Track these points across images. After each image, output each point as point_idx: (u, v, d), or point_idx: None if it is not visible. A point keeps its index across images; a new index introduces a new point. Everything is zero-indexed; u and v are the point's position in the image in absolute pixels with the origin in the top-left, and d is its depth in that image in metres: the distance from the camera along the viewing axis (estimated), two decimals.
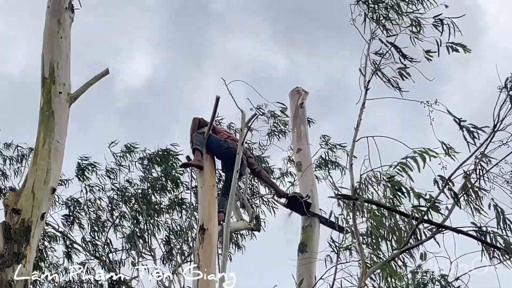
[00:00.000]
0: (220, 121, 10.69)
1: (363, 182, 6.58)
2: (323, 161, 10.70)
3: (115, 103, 19.93)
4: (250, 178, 9.36)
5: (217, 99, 7.56)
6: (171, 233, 13.07)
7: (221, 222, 7.31)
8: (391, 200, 6.56)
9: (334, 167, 10.79)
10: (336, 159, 10.76)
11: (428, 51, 7.14)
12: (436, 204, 6.36)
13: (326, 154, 10.78)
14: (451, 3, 7.14)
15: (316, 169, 9.99)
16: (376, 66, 7.17)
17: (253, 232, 8.54)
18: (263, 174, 8.73)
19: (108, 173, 13.04)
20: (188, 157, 8.04)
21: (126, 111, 19.31)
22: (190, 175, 12.69)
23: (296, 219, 8.37)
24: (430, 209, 6.31)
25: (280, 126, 10.74)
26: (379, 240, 6.42)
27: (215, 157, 7.91)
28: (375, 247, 6.42)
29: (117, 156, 12.93)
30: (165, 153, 12.83)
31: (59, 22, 6.68)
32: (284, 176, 11.19)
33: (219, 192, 8.03)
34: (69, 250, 13.03)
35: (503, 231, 6.10)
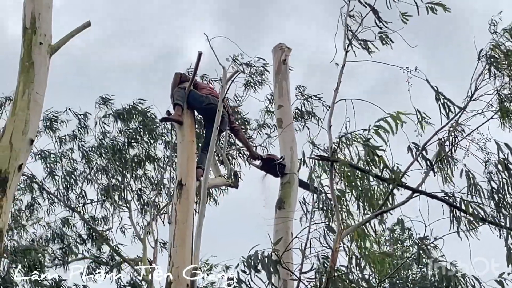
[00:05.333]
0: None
1: (340, 144, 6.57)
2: (299, 112, 10.64)
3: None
4: (229, 135, 9.34)
5: (199, 54, 7.50)
6: (145, 186, 13.13)
7: (199, 178, 7.35)
8: (366, 163, 6.58)
9: (310, 117, 10.73)
10: (312, 109, 10.72)
11: (405, 14, 6.97)
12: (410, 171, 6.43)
13: (302, 105, 10.74)
14: None
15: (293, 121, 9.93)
16: (353, 33, 6.99)
17: (231, 187, 8.58)
18: (241, 134, 8.72)
19: (81, 127, 13.13)
20: (168, 112, 8.01)
21: None
22: (163, 128, 12.76)
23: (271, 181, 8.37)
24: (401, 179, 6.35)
25: (256, 77, 10.55)
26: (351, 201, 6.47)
27: (195, 112, 7.92)
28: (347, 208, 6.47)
29: (81, 115, 13.07)
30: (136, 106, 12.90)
31: None
32: (261, 128, 11.13)
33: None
34: (35, 201, 13.17)
35: (473, 197, 6.19)
